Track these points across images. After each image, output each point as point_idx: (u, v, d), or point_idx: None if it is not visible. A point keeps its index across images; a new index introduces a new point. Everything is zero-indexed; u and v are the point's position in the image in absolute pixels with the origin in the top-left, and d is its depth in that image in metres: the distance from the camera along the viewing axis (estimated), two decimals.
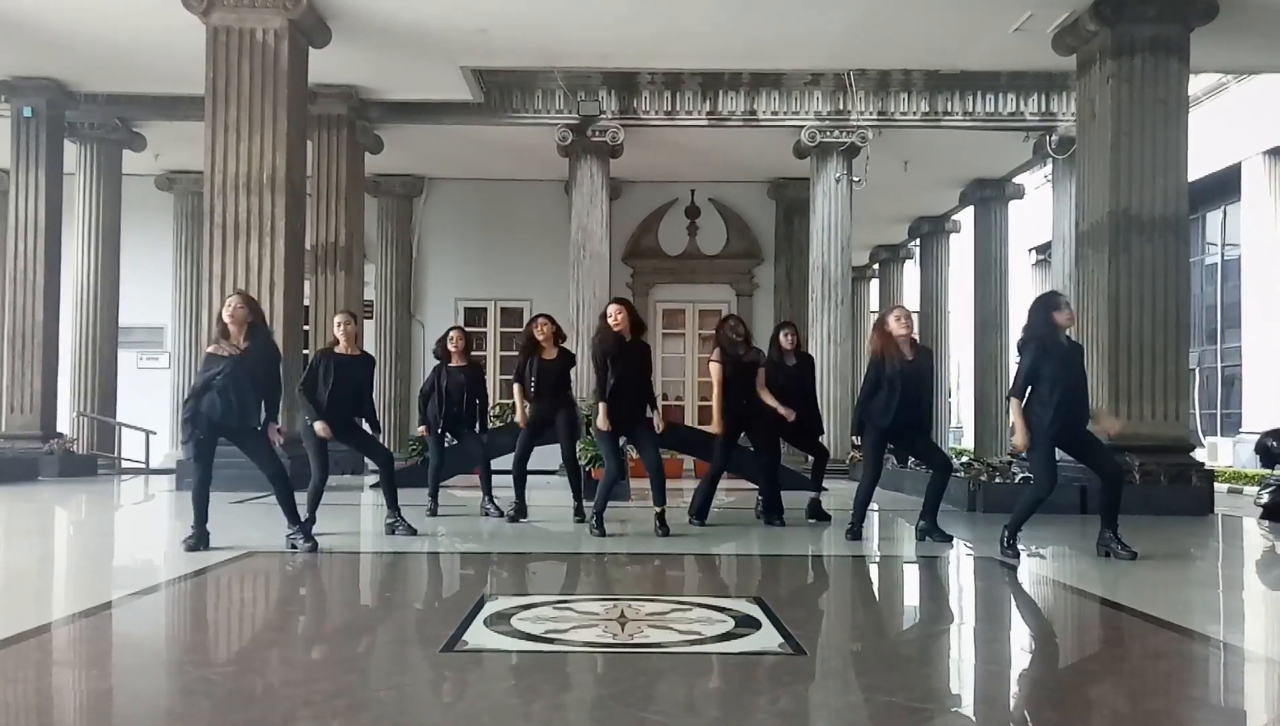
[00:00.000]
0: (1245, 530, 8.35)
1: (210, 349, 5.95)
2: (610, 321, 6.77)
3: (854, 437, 7.25)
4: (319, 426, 6.47)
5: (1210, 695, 3.48)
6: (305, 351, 11.44)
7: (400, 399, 16.01)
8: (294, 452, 9.85)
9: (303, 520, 6.06)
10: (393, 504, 6.75)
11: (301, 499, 6.23)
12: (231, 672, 3.46)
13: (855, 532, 6.77)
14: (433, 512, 7.88)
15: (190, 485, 6.07)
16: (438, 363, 8.06)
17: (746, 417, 7.37)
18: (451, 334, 8.07)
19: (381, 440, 7.26)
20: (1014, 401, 5.91)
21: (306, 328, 11.81)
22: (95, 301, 13.73)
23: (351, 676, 3.43)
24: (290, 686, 3.32)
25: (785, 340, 7.72)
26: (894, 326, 6.54)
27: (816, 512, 7.85)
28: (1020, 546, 6.03)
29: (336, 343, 6.70)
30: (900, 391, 6.42)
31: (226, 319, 5.85)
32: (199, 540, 5.90)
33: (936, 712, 3.04)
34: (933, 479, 6.75)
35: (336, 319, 6.81)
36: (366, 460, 12.91)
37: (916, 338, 6.69)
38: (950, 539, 6.62)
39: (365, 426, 6.77)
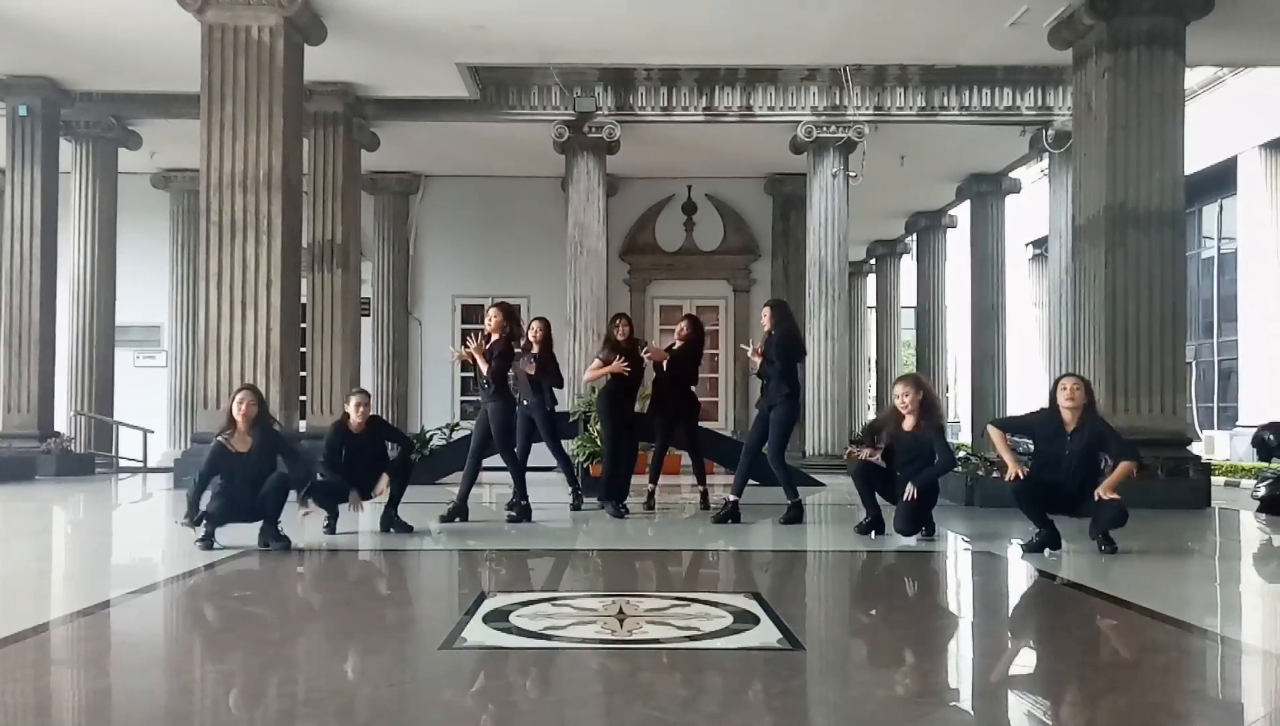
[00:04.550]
0: (1242, 523, 8.37)
1: (220, 439, 6.01)
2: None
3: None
4: (352, 496, 6.52)
5: (1208, 688, 3.49)
6: (302, 348, 11.44)
7: (399, 397, 16.00)
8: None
9: (278, 524, 6.05)
10: (392, 503, 6.76)
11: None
12: (230, 671, 3.46)
13: (864, 527, 6.76)
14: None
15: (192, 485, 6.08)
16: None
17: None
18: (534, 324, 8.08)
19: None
20: (991, 429, 6.11)
21: (304, 325, 11.80)
22: (92, 300, 13.72)
23: (350, 674, 3.43)
24: (289, 684, 3.32)
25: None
26: (897, 403, 6.53)
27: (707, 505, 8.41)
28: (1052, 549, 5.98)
29: (348, 417, 6.76)
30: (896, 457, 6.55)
31: (238, 417, 5.98)
32: (210, 538, 5.90)
33: (934, 706, 3.04)
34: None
35: (353, 400, 6.81)
36: None
37: (919, 406, 6.43)
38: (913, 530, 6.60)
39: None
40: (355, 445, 6.68)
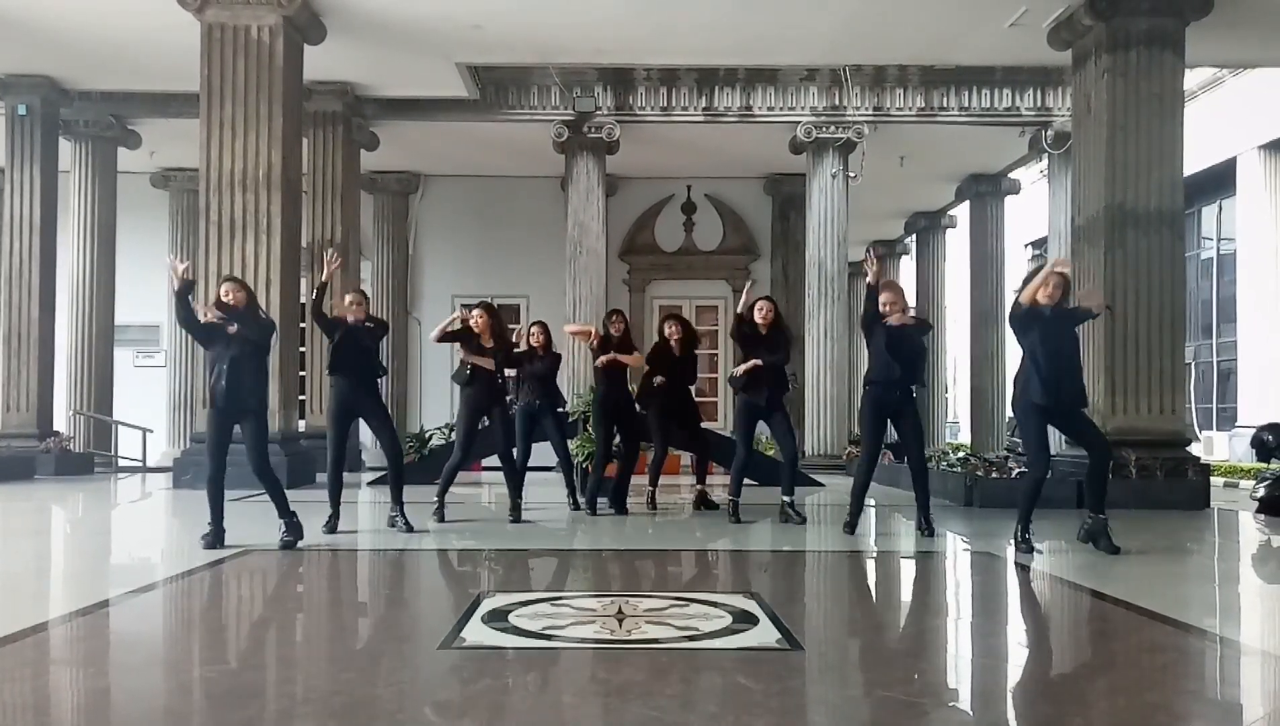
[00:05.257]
0: (1241, 524, 8.36)
1: (211, 318, 5.98)
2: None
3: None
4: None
5: (1206, 689, 3.49)
6: (301, 348, 11.43)
7: (398, 398, 15.99)
8: (289, 449, 9.90)
9: (294, 514, 6.07)
10: (397, 498, 6.79)
11: (307, 493, 6.24)
12: (229, 670, 3.46)
13: (850, 526, 6.80)
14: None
15: (204, 483, 6.07)
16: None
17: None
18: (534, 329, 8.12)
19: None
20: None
21: (303, 325, 11.78)
22: (91, 299, 13.71)
23: (349, 674, 3.43)
24: (288, 684, 3.32)
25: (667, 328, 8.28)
26: (887, 309, 6.62)
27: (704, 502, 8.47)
28: (1036, 546, 6.00)
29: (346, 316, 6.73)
30: (893, 354, 6.55)
31: (229, 302, 5.97)
32: (215, 538, 5.91)
33: (932, 707, 3.04)
34: (913, 477, 6.79)
35: (348, 298, 6.77)
36: (363, 457, 13.06)
37: (911, 312, 6.81)
38: (933, 531, 6.72)
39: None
40: (352, 335, 6.59)
